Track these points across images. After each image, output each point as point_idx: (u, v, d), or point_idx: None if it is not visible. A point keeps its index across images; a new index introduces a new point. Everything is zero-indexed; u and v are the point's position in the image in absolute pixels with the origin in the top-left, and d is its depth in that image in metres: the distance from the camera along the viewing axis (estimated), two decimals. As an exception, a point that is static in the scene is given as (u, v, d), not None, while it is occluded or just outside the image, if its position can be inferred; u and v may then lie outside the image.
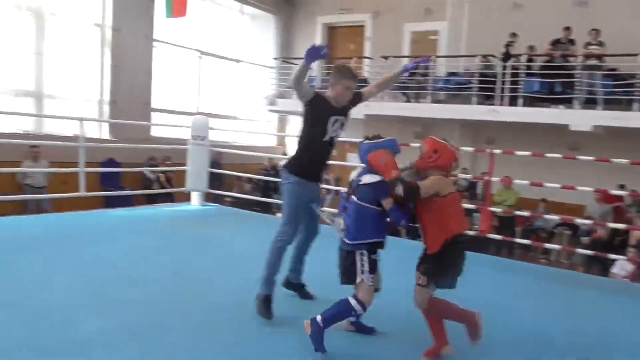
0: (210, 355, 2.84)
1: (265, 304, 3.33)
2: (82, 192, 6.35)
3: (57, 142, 8.02)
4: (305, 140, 3.52)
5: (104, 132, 10.58)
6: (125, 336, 2.95)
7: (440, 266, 2.85)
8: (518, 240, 6.74)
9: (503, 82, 10.20)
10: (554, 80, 9.82)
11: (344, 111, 3.57)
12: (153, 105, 11.64)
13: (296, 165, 3.51)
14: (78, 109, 10.19)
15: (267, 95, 13.80)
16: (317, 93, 3.53)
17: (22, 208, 8.43)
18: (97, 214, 6.64)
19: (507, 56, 10.38)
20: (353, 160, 13.02)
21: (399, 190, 2.75)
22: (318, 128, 3.45)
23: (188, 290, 3.80)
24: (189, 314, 3.37)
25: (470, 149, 7.40)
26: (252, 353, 2.88)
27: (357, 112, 11.69)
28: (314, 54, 3.18)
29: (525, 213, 6.61)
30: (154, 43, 11.55)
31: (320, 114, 3.47)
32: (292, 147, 15.26)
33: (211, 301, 3.62)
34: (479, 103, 10.64)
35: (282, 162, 12.92)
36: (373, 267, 2.91)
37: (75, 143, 6.62)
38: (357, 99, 3.68)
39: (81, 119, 6.86)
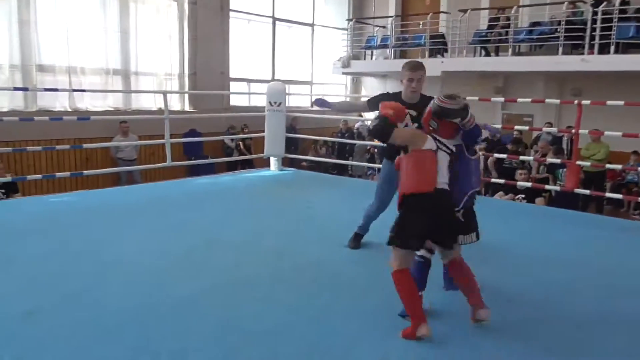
0: (300, 307, 2.99)
1: (356, 238, 4.11)
2: (168, 163, 6.71)
3: (144, 116, 8.49)
4: None
5: (186, 104, 11.01)
6: (217, 296, 3.14)
7: (398, 222, 2.71)
8: (608, 194, 6.37)
9: (593, 29, 9.47)
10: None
11: (416, 107, 3.52)
12: (231, 75, 11.93)
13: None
14: (162, 83, 10.65)
15: (340, 58, 13.71)
16: (386, 93, 3.84)
17: (116, 180, 9.04)
18: (183, 183, 7.00)
19: (598, 1, 9.59)
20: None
21: (371, 124, 2.80)
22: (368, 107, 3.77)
23: (272, 252, 3.96)
24: (275, 273, 3.52)
25: (555, 101, 7.03)
26: (330, 306, 2.98)
27: (434, 69, 11.50)
28: (321, 104, 3.74)
29: (617, 166, 6.20)
30: (230, 13, 11.76)
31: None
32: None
33: (295, 262, 3.77)
34: (565, 53, 9.97)
35: (357, 125, 12.92)
36: None
37: (160, 116, 6.96)
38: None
39: (164, 92, 7.19)
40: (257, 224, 4.74)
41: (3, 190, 6.81)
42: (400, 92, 3.68)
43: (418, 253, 2.86)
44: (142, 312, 2.85)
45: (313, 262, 3.76)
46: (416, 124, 3.48)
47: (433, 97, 3.54)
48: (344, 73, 13.93)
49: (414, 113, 3.53)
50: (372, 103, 3.76)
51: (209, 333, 2.69)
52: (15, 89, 8.21)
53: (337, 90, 14.61)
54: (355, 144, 11.87)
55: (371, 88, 14.63)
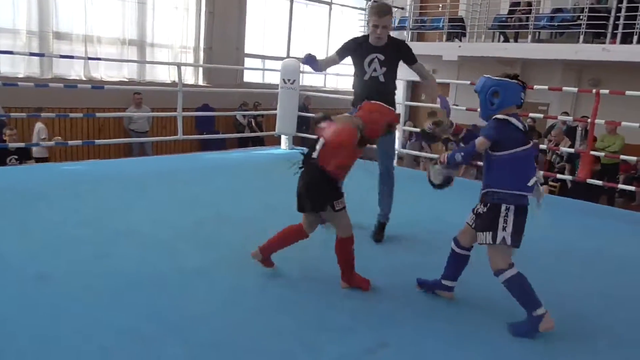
0: (303, 280, 3.03)
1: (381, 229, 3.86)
2: (179, 136, 6.73)
3: (157, 88, 8.50)
4: (353, 79, 3.83)
5: (200, 79, 11.00)
6: (224, 269, 3.17)
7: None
8: (621, 186, 6.32)
9: (617, 18, 9.28)
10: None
11: (384, 50, 3.61)
12: (246, 51, 11.88)
13: (353, 100, 3.82)
14: (177, 56, 10.63)
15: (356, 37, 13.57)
16: (352, 39, 3.82)
17: (128, 151, 9.10)
18: (193, 157, 7.04)
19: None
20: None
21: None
22: (357, 68, 3.74)
23: (279, 227, 3.98)
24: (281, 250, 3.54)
25: (573, 89, 6.94)
26: (332, 282, 3.01)
27: (450, 53, 11.37)
28: (308, 61, 3.55)
29: (632, 158, 6.13)
30: (247, -12, 11.67)
31: (355, 56, 3.73)
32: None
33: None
34: (586, 41, 9.80)
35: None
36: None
37: (174, 88, 6.96)
38: (404, 50, 3.72)
39: (179, 65, 7.18)
40: (265, 201, 4.76)
41: (16, 157, 6.89)
42: (368, 36, 3.71)
43: None
44: (151, 280, 2.89)
45: (317, 240, 3.77)
46: (384, 68, 3.62)
47: (400, 41, 3.73)
48: (359, 53, 13.80)
49: (382, 57, 3.63)
50: (340, 52, 3.81)
51: (215, 304, 2.73)
52: (32, 54, 8.24)
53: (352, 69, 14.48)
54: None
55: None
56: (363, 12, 13.69)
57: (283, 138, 7.61)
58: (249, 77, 11.86)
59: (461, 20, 12.06)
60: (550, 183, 7.94)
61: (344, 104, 12.94)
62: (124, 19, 9.86)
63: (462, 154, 2.67)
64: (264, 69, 12.31)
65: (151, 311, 2.60)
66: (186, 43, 10.79)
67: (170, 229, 3.78)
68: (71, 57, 8.28)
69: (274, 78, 8.88)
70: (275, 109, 7.32)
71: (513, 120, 2.56)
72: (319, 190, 2.89)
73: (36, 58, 8.72)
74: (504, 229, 2.54)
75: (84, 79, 9.29)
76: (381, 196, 3.89)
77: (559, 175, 6.24)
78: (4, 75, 8.28)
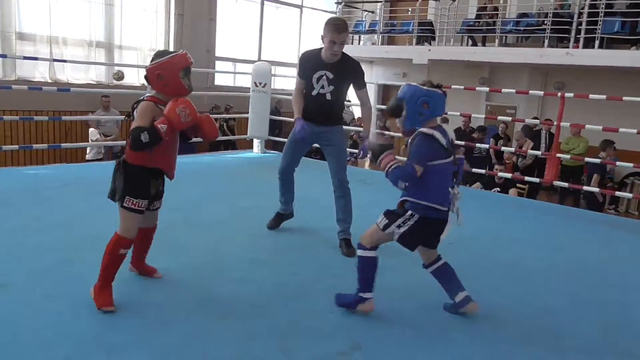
0: (278, 287, 2.99)
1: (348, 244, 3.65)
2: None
3: (126, 91, 8.35)
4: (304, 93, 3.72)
5: (170, 81, 10.85)
6: (191, 273, 3.12)
7: None
8: (586, 187, 6.47)
9: (579, 23, 9.53)
10: (638, 20, 9.07)
11: (334, 68, 3.53)
12: (217, 54, 11.79)
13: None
14: (146, 58, 10.48)
15: (308, 51, 13.61)
16: (304, 53, 3.75)
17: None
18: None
19: (585, -6, 9.65)
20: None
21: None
22: (306, 82, 3.64)
23: (250, 233, 3.95)
24: (253, 255, 3.51)
25: (539, 92, 7.08)
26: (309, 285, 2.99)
27: (421, 57, 11.49)
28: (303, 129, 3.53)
29: (596, 160, 6.29)
30: (216, -10, 11.59)
31: (304, 71, 3.66)
32: (352, 94, 15.17)
33: (276, 241, 3.79)
34: (551, 46, 10.04)
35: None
36: None
37: (142, 91, 6.84)
38: (356, 73, 3.63)
39: (138, 67, 7.06)
40: (235, 205, 4.72)
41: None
42: (320, 50, 3.60)
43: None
44: (116, 286, 2.82)
45: (291, 244, 3.76)
46: (332, 87, 3.55)
47: (355, 62, 3.61)
48: (331, 57, 13.84)
49: (330, 75, 3.55)
50: (301, 73, 3.70)
51: (183, 309, 2.68)
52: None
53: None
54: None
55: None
56: (333, 15, 13.75)
57: (255, 142, 7.57)
58: (220, 80, 11.77)
59: (430, 24, 12.21)
60: (519, 185, 8.09)
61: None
62: (90, 21, 9.67)
63: (402, 179, 2.54)
64: (235, 72, 12.24)
65: (116, 318, 2.54)
66: (155, 45, 10.65)
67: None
68: (35, 58, 8.08)
69: (246, 81, 8.83)
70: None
71: (437, 135, 2.54)
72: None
73: (-1, 59, 8.50)
74: (399, 226, 2.59)
75: (50, 81, 9.07)
76: (340, 210, 3.74)
77: (526, 178, 6.35)
78: (-36, 77, 8.03)
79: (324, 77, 3.56)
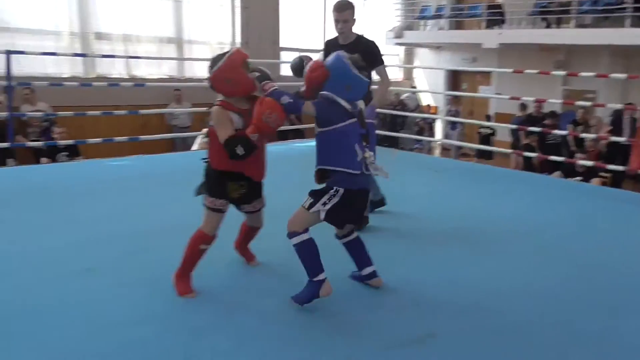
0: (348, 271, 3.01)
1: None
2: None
3: (196, 84, 8.61)
4: None
5: (238, 73, 11.08)
6: (273, 259, 3.20)
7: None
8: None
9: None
10: None
11: (349, 50, 3.47)
12: (282, 44, 11.91)
13: None
14: (214, 52, 10.75)
15: (393, 28, 13.43)
16: (326, 41, 3.93)
17: (171, 146, 9.27)
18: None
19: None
20: (485, 91, 12.39)
21: None
22: None
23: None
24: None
25: (621, 75, 6.68)
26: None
27: (490, 41, 11.13)
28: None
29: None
30: (281, -19, 11.70)
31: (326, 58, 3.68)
32: (420, 81, 14.94)
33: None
34: (633, 25, 9.42)
35: (404, 96, 12.72)
36: None
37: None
38: (370, 50, 3.63)
39: (206, 60, 7.23)
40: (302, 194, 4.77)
41: (67, 153, 7.13)
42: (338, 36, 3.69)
43: None
44: (196, 272, 2.92)
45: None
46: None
47: (369, 41, 3.70)
48: (397, 44, 13.67)
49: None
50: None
51: (265, 294, 2.76)
52: (75, 55, 8.47)
53: (390, 61, 14.37)
54: (407, 117, 11.71)
55: (424, 60, 14.31)
56: (398, 1, 13.55)
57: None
58: (285, 70, 11.89)
59: (500, 6, 11.78)
60: (601, 174, 7.69)
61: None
62: (160, 18, 10.03)
63: (289, 100, 2.56)
64: (300, 63, 12.32)
65: (197, 302, 2.65)
66: (223, 39, 10.90)
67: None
68: (112, 56, 8.45)
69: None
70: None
71: (338, 99, 2.55)
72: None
73: (79, 58, 8.97)
74: (324, 204, 2.57)
75: (126, 77, 9.50)
76: None
77: (609, 166, 6.02)
78: (50, 75, 8.54)
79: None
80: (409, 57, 14.75)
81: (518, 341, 2.42)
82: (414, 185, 5.19)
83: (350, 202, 2.62)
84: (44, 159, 7.11)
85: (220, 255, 3.03)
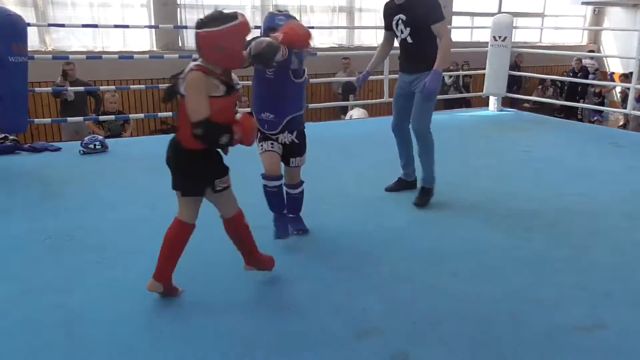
0: (509, 250, 2.92)
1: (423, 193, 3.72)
2: (385, 99, 6.86)
3: (364, 52, 8.73)
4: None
5: (406, 40, 10.97)
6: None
7: None
8: None
9: None
10: None
11: (405, 9, 3.42)
12: (453, 8, 11.47)
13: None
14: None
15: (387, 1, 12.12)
16: (385, 3, 3.70)
17: (338, 114, 9.59)
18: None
19: None
20: None
21: None
22: (390, 32, 3.70)
23: (482, 192, 3.88)
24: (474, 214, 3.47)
25: None
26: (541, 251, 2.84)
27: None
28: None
29: None
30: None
31: (386, 20, 3.68)
32: (609, 44, 13.32)
33: (508, 205, 3.65)
34: None
35: (587, 62, 11.40)
36: None
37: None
38: (426, 6, 3.41)
39: (376, 28, 7.22)
40: (466, 164, 4.66)
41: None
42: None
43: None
44: (352, 237, 3.05)
45: (526, 210, 3.59)
46: (409, 28, 3.44)
47: None
48: (583, 3, 12.29)
49: (404, 17, 3.43)
50: (385, 25, 3.74)
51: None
52: (255, 28, 9.11)
53: (573, 22, 13.03)
54: (589, 85, 10.61)
55: (616, 21, 12.69)
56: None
57: (491, 99, 7.26)
58: (457, 35, 11.45)
59: None
60: None
61: (562, 61, 11.75)
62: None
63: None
64: (472, 27, 11.76)
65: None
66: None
67: (374, 189, 3.93)
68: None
69: (484, 35, 8.45)
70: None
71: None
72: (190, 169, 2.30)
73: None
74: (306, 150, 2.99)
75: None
76: (418, 157, 3.72)
77: None
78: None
79: (400, 21, 3.50)
80: (598, 17, 13.18)
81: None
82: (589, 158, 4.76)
83: None
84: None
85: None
